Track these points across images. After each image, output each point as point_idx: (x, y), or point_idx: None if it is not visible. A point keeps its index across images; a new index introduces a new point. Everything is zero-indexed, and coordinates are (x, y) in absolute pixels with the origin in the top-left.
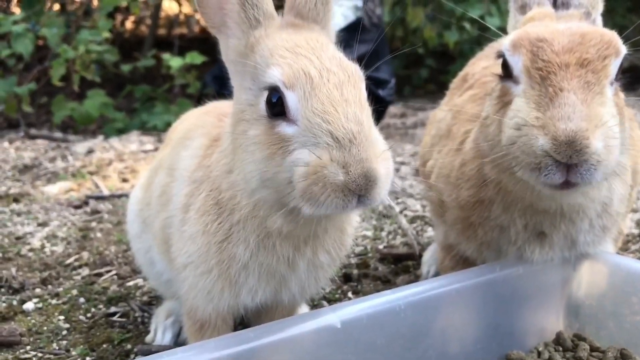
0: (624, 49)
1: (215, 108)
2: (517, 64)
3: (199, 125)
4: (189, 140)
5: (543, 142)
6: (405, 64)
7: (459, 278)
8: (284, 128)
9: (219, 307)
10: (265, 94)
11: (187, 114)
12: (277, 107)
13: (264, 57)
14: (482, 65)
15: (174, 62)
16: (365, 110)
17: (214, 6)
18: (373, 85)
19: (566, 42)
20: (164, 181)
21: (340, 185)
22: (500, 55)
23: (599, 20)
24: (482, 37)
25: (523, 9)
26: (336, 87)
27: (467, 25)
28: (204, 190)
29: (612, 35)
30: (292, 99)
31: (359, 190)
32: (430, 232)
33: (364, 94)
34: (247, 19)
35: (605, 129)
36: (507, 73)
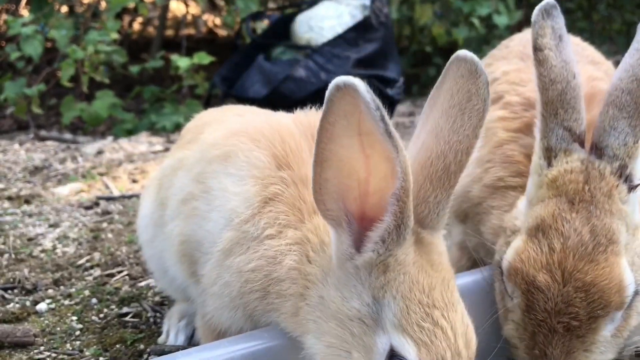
0: (626, 299)
1: (269, 128)
2: (513, 292)
3: (246, 154)
4: (233, 168)
5: None
6: (413, 62)
7: (473, 277)
8: None
9: (239, 326)
10: (387, 351)
11: (209, 115)
12: None
13: (396, 306)
14: (502, 69)
15: (182, 62)
16: None
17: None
18: (381, 84)
19: (560, 299)
20: (189, 188)
21: None
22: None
23: (638, 168)
24: (491, 34)
25: (548, 152)
26: None
27: (475, 21)
28: (251, 257)
29: (620, 286)
30: None
31: None
32: None
33: None
34: (397, 237)
35: None
36: (503, 285)
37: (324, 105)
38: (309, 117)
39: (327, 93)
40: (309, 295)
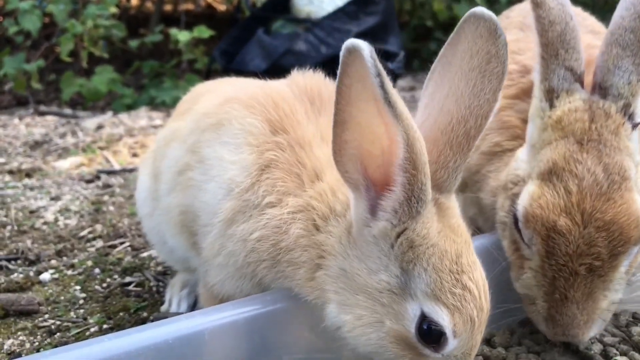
0: None
1: (262, 94)
2: (530, 239)
3: (240, 121)
4: (226, 135)
5: (544, 328)
6: (414, 37)
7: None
8: (432, 355)
9: (242, 293)
10: (418, 316)
11: (205, 87)
12: (429, 337)
13: (428, 277)
14: None
15: (182, 36)
16: None
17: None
18: (382, 58)
19: (581, 241)
20: (185, 159)
21: None
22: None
23: None
24: (492, 9)
25: (550, 93)
26: (480, 330)
27: None
28: (255, 227)
29: (638, 221)
30: (453, 345)
31: None
32: None
33: None
34: (409, 209)
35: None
36: (519, 234)
37: (339, 66)
38: (305, 79)
39: (341, 55)
40: (327, 265)
